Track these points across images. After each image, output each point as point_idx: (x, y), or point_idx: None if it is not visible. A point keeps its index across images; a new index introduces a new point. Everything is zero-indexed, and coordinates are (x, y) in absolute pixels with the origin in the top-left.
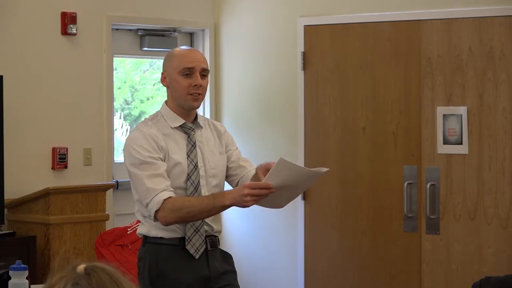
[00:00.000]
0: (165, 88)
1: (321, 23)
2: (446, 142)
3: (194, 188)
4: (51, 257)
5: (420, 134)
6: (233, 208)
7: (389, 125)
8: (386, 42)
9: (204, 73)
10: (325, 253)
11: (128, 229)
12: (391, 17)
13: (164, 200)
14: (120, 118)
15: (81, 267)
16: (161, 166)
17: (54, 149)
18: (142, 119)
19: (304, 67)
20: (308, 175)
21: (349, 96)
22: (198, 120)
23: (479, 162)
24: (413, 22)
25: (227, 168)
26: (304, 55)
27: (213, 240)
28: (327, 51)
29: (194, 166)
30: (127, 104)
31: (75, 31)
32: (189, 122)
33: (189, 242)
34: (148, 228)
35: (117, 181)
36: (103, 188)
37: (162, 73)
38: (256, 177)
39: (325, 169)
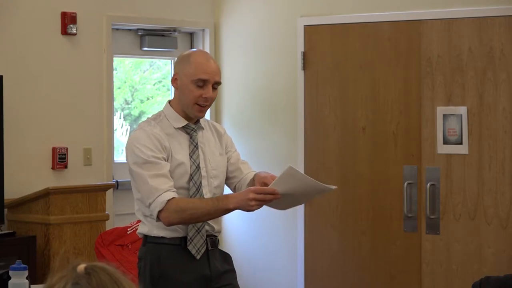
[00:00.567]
0: (164, 88)
1: (321, 23)
2: (446, 142)
3: (196, 189)
4: (51, 257)
5: (420, 134)
6: None
7: (389, 125)
8: (386, 42)
9: (215, 86)
10: (325, 253)
11: (128, 229)
12: (391, 17)
13: (168, 200)
14: (120, 118)
15: (81, 267)
16: (165, 166)
17: (54, 149)
18: (142, 119)
19: (304, 67)
20: (315, 188)
21: (349, 96)
22: (200, 122)
23: (479, 162)
24: (413, 22)
25: (226, 170)
26: (304, 55)
27: (213, 239)
28: (327, 51)
29: (197, 167)
30: (127, 104)
31: (75, 31)
32: (192, 123)
33: (190, 243)
34: (149, 228)
35: (117, 181)
36: (103, 188)
37: (174, 74)
38: (252, 184)
39: (333, 187)
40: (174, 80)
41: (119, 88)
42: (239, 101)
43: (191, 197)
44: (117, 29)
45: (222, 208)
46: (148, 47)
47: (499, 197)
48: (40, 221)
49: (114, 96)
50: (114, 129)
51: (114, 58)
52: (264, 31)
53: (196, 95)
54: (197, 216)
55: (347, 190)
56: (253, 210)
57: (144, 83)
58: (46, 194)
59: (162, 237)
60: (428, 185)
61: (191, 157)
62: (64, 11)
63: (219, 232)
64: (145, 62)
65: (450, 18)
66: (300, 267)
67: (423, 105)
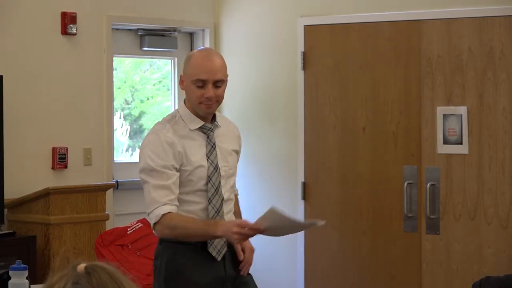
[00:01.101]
0: (164, 88)
1: (321, 23)
2: (446, 142)
3: (215, 190)
4: (51, 257)
5: (420, 134)
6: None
7: (389, 125)
8: (386, 42)
9: (217, 84)
10: (325, 253)
11: (128, 229)
12: (391, 17)
13: (163, 215)
14: (120, 118)
15: (81, 266)
16: (171, 176)
17: (54, 149)
18: (142, 119)
19: (304, 67)
20: (301, 225)
21: (349, 96)
22: (216, 120)
23: (479, 162)
24: (413, 22)
25: None
26: (304, 55)
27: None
28: (327, 51)
29: (214, 168)
30: (127, 104)
31: (75, 31)
32: (208, 123)
33: (211, 245)
34: None
35: (117, 181)
36: (103, 188)
37: (180, 76)
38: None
39: (321, 223)
40: (181, 82)
41: (119, 88)
42: (239, 101)
43: (209, 198)
44: (117, 29)
45: (211, 234)
46: (148, 47)
47: (499, 197)
48: (40, 221)
49: (114, 96)
50: (114, 129)
51: (114, 58)
52: (264, 31)
53: (198, 95)
54: (187, 235)
55: (347, 190)
56: (236, 243)
57: (144, 83)
58: (46, 194)
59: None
60: (428, 185)
61: (209, 158)
62: (64, 11)
63: None
64: (145, 62)
65: (450, 18)
66: (300, 267)
67: (423, 105)
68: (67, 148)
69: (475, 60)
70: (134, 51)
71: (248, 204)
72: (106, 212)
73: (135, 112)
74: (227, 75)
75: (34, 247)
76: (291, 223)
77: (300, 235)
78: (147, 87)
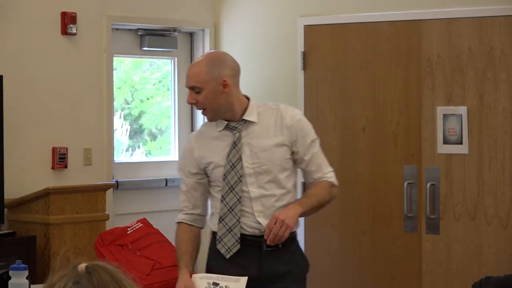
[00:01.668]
0: (164, 88)
1: (321, 23)
2: (446, 142)
3: (229, 188)
4: (51, 257)
5: (420, 134)
6: None
7: (389, 125)
8: (386, 42)
9: (195, 90)
10: (325, 253)
11: (128, 229)
12: (391, 17)
13: (177, 222)
14: (120, 118)
15: (82, 266)
16: (187, 183)
17: (54, 149)
18: (142, 119)
19: (304, 67)
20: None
21: (349, 96)
22: (245, 117)
23: (479, 162)
24: (413, 22)
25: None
26: (304, 55)
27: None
28: (327, 51)
29: (231, 167)
30: (127, 104)
31: (75, 31)
32: (234, 122)
33: (219, 242)
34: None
35: (117, 181)
36: (103, 188)
37: None
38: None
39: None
40: None
41: (119, 88)
42: None
43: (222, 196)
44: (117, 29)
45: (178, 268)
46: (148, 47)
47: (499, 197)
48: (40, 221)
49: (114, 96)
50: (114, 129)
51: (114, 58)
52: (264, 31)
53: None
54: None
55: (347, 190)
56: None
57: (144, 83)
58: (46, 194)
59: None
60: (428, 185)
61: (228, 156)
62: (64, 11)
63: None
64: (145, 62)
65: (450, 18)
66: None
67: (423, 105)
68: (67, 148)
69: (475, 60)
70: (134, 51)
71: None
72: (106, 212)
73: (135, 112)
74: (208, 82)
75: (34, 247)
76: None
77: (300, 235)
78: (147, 87)
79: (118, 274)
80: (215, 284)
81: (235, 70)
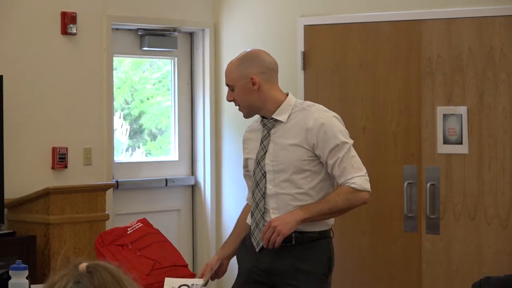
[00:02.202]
0: (164, 88)
1: (321, 23)
2: (446, 142)
3: (256, 184)
4: (51, 257)
5: (420, 134)
6: (234, 206)
7: (389, 125)
8: (386, 42)
9: (230, 88)
10: None
11: (128, 229)
12: (391, 17)
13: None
14: (120, 117)
15: (83, 266)
16: (244, 168)
17: (54, 149)
18: (142, 119)
19: (304, 66)
20: None
21: (349, 96)
22: (274, 115)
23: (479, 162)
24: (413, 22)
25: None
26: (304, 54)
27: (287, 236)
28: (327, 51)
29: (257, 163)
30: (127, 103)
31: (75, 31)
32: (266, 119)
33: (252, 235)
34: None
35: (117, 181)
36: (103, 188)
37: None
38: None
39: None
40: None
41: (119, 88)
42: None
43: (253, 192)
44: (117, 29)
45: None
46: (148, 47)
47: (499, 197)
48: (40, 221)
49: (114, 96)
50: (114, 129)
51: (114, 58)
52: (264, 31)
53: None
54: None
55: None
56: None
57: (144, 83)
58: (46, 194)
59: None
60: (428, 185)
61: (257, 154)
62: (64, 11)
63: (304, 231)
64: (145, 62)
65: (450, 18)
66: None
67: (423, 105)
68: (67, 148)
69: (475, 60)
70: (134, 51)
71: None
72: (106, 212)
73: (135, 112)
74: (238, 80)
75: (34, 247)
76: None
77: None
78: (147, 87)
79: (119, 274)
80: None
81: (266, 68)
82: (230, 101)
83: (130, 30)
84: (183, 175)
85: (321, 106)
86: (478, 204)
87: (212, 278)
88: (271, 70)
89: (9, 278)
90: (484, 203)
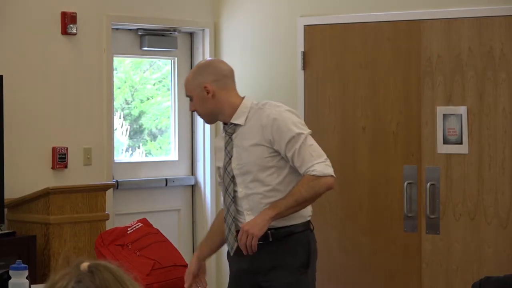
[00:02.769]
0: (164, 88)
1: (321, 22)
2: (446, 141)
3: (225, 189)
4: (51, 257)
5: (420, 134)
6: None
7: (389, 124)
8: (386, 42)
9: (190, 98)
10: (325, 253)
11: (128, 229)
12: (391, 17)
13: None
14: (120, 117)
15: (84, 265)
16: (218, 176)
17: (54, 149)
18: (142, 119)
19: (304, 66)
20: None
21: (349, 95)
22: (232, 120)
23: (479, 161)
24: (413, 22)
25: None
26: (304, 54)
27: (264, 234)
28: (327, 51)
29: (224, 168)
30: (127, 104)
31: (75, 31)
32: (227, 125)
33: (226, 240)
34: None
35: (117, 181)
36: (103, 188)
37: None
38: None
39: None
40: None
41: (119, 88)
42: None
43: (223, 197)
44: (117, 29)
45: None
46: (148, 47)
47: (499, 196)
48: (40, 220)
49: (114, 96)
50: (114, 129)
51: (114, 58)
52: (264, 31)
53: None
54: None
55: (347, 190)
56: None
57: (144, 83)
58: (46, 194)
59: None
60: (428, 184)
61: (223, 160)
62: (64, 11)
63: (279, 227)
64: (145, 62)
65: (450, 18)
66: None
67: (423, 105)
68: (67, 148)
69: (475, 60)
70: (134, 51)
71: None
72: (106, 212)
73: (135, 112)
74: (194, 89)
75: (34, 247)
76: None
77: None
78: (147, 87)
79: (120, 274)
80: None
81: (219, 75)
82: (192, 111)
83: (130, 30)
84: (183, 175)
85: (274, 102)
86: (478, 204)
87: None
88: (225, 77)
89: (9, 278)
90: (484, 203)
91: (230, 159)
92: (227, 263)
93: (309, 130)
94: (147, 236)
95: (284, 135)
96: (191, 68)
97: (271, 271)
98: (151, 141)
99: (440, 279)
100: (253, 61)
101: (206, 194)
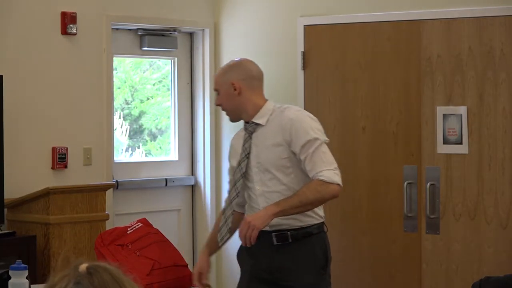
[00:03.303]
0: (164, 88)
1: (321, 22)
2: (446, 142)
3: (233, 184)
4: (51, 257)
5: (420, 134)
6: None
7: (389, 124)
8: (386, 42)
9: (217, 92)
10: None
11: (128, 229)
12: (391, 17)
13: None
14: (120, 117)
15: (83, 267)
16: (229, 174)
17: (54, 149)
18: (142, 119)
19: (304, 66)
20: None
21: (349, 96)
22: (254, 119)
23: (479, 161)
24: (413, 22)
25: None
26: (304, 54)
27: (282, 235)
28: (327, 50)
29: (238, 165)
30: (127, 104)
31: (75, 31)
32: (248, 123)
33: (219, 231)
34: None
35: (117, 181)
36: (103, 188)
37: None
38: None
39: None
40: None
41: (119, 88)
42: None
43: (229, 191)
44: (117, 29)
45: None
46: (148, 47)
47: (499, 196)
48: (40, 220)
49: (114, 96)
50: (114, 129)
51: (114, 58)
52: (264, 31)
53: None
54: None
55: (347, 190)
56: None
57: (144, 83)
58: (46, 193)
59: None
60: (428, 184)
61: (240, 155)
62: (64, 11)
63: (298, 227)
64: (145, 62)
65: (450, 18)
66: None
67: (423, 105)
68: (67, 148)
69: (475, 60)
70: (134, 51)
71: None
72: (106, 212)
73: (135, 112)
74: (222, 84)
75: (34, 247)
76: None
77: None
78: (147, 87)
79: (119, 275)
80: None
81: (248, 75)
82: (217, 105)
83: (130, 30)
84: (183, 175)
85: (297, 107)
86: (478, 204)
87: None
88: (253, 77)
89: (9, 278)
90: (484, 203)
91: (246, 155)
92: (227, 263)
93: (327, 139)
94: (147, 236)
95: (301, 137)
96: (191, 68)
97: (292, 272)
98: (151, 141)
99: (440, 279)
100: (253, 61)
101: (206, 194)
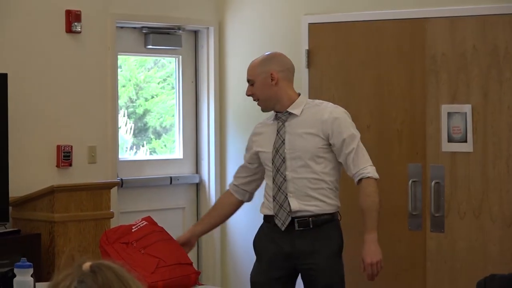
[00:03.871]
0: (169, 86)
1: (326, 21)
2: (450, 140)
3: (277, 170)
4: (56, 255)
5: (425, 132)
6: None
7: (394, 123)
8: (391, 40)
9: (251, 83)
10: None
11: (133, 227)
12: (395, 15)
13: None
14: (124, 116)
15: (87, 265)
16: (244, 160)
17: (58, 147)
18: (147, 117)
19: (309, 65)
20: None
21: (354, 94)
22: (289, 109)
23: (483, 160)
24: (418, 20)
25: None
26: (309, 53)
27: (304, 221)
28: (331, 49)
29: (276, 151)
30: (132, 102)
31: (79, 29)
32: (280, 113)
33: (276, 217)
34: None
35: (121, 179)
36: (108, 186)
37: None
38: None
39: None
40: None
41: (123, 86)
42: (244, 99)
43: (273, 178)
44: (122, 27)
45: None
46: (152, 45)
47: (503, 194)
48: (45, 219)
49: (119, 94)
50: (119, 127)
51: (118, 56)
52: (268, 29)
53: None
54: None
55: (351, 189)
56: None
57: (148, 81)
58: (50, 192)
59: (263, 216)
60: (433, 183)
61: (274, 143)
62: (68, 9)
63: (309, 212)
64: (150, 60)
65: (454, 16)
66: None
67: (427, 103)
68: (71, 146)
69: (480, 58)
70: (138, 49)
71: (249, 204)
72: (111, 210)
73: (140, 110)
74: (259, 74)
75: (39, 245)
76: None
77: None
78: (152, 85)
79: (123, 273)
80: None
81: (285, 67)
82: (248, 95)
83: (135, 28)
84: (187, 173)
85: (331, 103)
86: (482, 202)
87: None
88: (288, 70)
89: (14, 276)
90: (489, 201)
91: (282, 141)
92: (232, 256)
93: (360, 134)
94: (152, 234)
95: (343, 132)
96: (196, 66)
97: (312, 255)
98: (155, 139)
99: (445, 277)
100: None
101: (211, 192)
